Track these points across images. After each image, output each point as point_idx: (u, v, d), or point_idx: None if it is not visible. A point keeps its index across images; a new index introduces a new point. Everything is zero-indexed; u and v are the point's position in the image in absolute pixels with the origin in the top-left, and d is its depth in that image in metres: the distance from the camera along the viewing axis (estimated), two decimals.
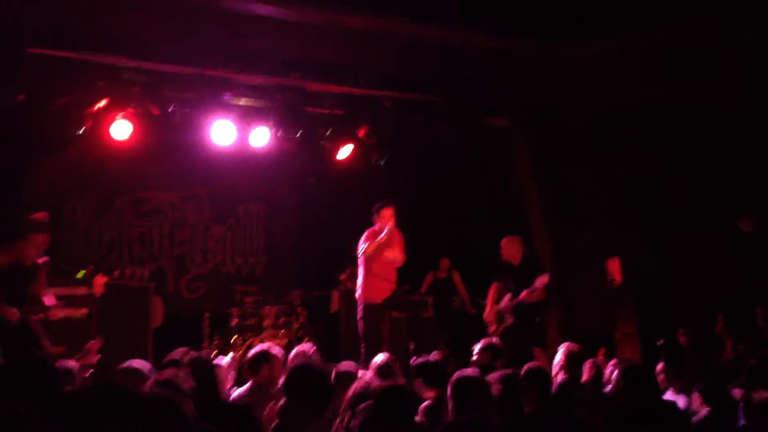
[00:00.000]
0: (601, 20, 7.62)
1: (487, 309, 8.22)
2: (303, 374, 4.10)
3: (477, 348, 6.27)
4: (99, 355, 7.25)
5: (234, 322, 9.25)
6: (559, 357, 5.79)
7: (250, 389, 5.25)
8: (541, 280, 7.75)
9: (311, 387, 4.03)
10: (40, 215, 6.94)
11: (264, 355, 5.40)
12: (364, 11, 7.52)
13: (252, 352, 5.53)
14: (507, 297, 8.04)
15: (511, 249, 8.09)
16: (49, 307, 6.85)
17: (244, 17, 7.60)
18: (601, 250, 8.71)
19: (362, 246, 7.70)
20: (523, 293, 7.83)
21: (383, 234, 7.61)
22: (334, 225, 9.28)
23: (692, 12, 7.29)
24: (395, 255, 7.74)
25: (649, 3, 7.41)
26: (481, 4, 7.53)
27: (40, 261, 6.87)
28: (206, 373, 4.58)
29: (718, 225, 8.14)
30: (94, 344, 7.37)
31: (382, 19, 7.65)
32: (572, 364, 5.70)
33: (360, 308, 7.79)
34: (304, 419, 3.92)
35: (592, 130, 8.87)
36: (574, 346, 5.92)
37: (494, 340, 6.46)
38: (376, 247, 7.62)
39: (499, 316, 8.07)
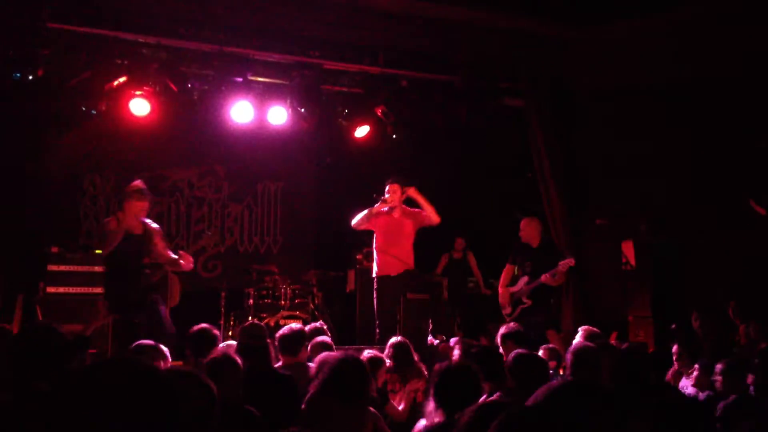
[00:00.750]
0: (617, 2, 7.55)
1: (501, 291, 8.16)
2: (342, 378, 3.84)
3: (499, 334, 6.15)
4: (105, 314, 7.32)
5: (250, 301, 9.29)
6: (578, 340, 5.75)
7: (291, 366, 5.19)
8: (566, 263, 7.63)
9: (350, 390, 3.84)
10: (134, 183, 7.20)
11: (302, 334, 5.43)
12: None
13: (288, 330, 5.45)
14: (524, 279, 7.95)
15: (530, 230, 8.00)
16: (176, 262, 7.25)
17: None
18: (616, 232, 8.65)
19: (356, 216, 7.69)
20: (545, 276, 7.71)
21: (377, 205, 7.60)
22: (350, 204, 9.23)
23: None
24: (426, 217, 7.70)
25: None
26: None
27: (152, 227, 7.19)
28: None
29: (736, 205, 8.02)
30: (100, 307, 7.43)
31: None
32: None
33: (375, 283, 7.79)
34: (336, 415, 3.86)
35: (608, 110, 8.79)
36: (593, 330, 5.89)
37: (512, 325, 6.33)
38: (367, 216, 7.61)
39: (515, 299, 8.02)
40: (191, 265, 7.55)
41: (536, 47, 8.58)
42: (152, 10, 7.72)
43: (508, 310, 8.06)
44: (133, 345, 4.91)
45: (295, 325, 5.68)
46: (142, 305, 7.02)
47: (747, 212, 7.77)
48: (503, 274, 8.19)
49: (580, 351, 4.65)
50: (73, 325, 7.67)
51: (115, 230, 6.99)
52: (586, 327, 5.96)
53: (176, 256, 7.30)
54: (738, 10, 7.46)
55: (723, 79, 7.97)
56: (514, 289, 8.03)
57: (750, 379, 4.54)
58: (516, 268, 8.13)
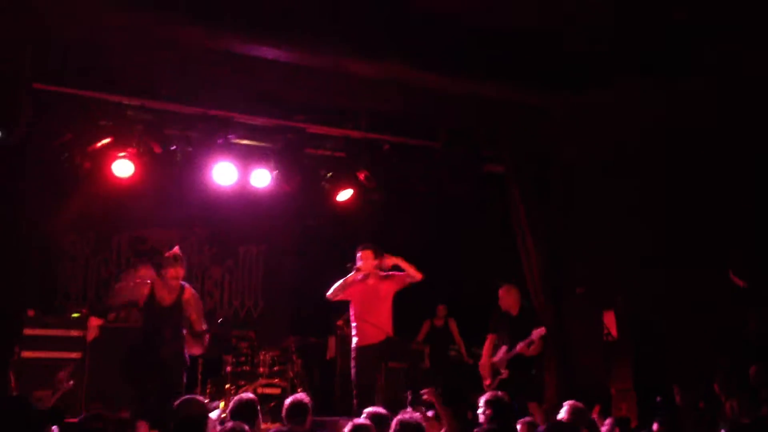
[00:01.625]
0: (597, 71, 7.65)
1: (483, 361, 8.05)
2: None
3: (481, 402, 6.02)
4: (71, 382, 7.14)
5: (228, 368, 9.10)
6: (562, 415, 5.61)
7: None
8: (538, 332, 7.58)
9: None
10: (170, 252, 7.08)
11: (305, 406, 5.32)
12: (367, 57, 7.56)
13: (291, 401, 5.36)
14: (503, 349, 7.87)
15: (509, 299, 7.95)
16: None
17: (248, 59, 7.64)
18: (596, 302, 8.58)
19: (332, 287, 7.58)
20: (520, 345, 7.67)
21: (350, 274, 7.51)
22: (333, 268, 9.17)
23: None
24: (405, 276, 7.60)
25: (640, 56, 7.46)
26: (481, 54, 7.56)
27: (186, 296, 7.07)
28: None
29: (717, 272, 8.01)
30: (63, 374, 7.25)
31: (384, 66, 7.69)
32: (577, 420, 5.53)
33: (353, 352, 7.66)
34: None
35: (589, 178, 8.83)
36: (578, 405, 5.76)
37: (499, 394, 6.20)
38: (342, 287, 7.51)
39: (494, 369, 7.90)
40: (200, 350, 7.26)
41: (517, 115, 8.64)
42: (137, 73, 7.74)
43: (488, 381, 7.93)
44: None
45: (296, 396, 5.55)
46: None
47: (727, 284, 7.75)
48: (486, 344, 8.08)
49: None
50: (47, 390, 7.54)
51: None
52: (571, 402, 5.81)
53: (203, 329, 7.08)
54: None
55: (701, 144, 8.04)
56: (495, 359, 7.92)
57: None
58: (497, 337, 8.03)
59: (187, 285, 7.14)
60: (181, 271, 7.03)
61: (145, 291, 6.95)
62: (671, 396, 7.13)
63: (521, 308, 7.95)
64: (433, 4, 7.13)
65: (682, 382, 7.24)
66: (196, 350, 7.13)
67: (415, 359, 8.47)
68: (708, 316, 7.86)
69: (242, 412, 5.15)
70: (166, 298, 6.99)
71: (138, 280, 7.06)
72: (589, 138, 8.56)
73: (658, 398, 7.22)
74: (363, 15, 7.12)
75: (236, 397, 5.36)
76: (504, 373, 7.78)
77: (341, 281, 7.51)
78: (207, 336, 7.14)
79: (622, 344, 8.50)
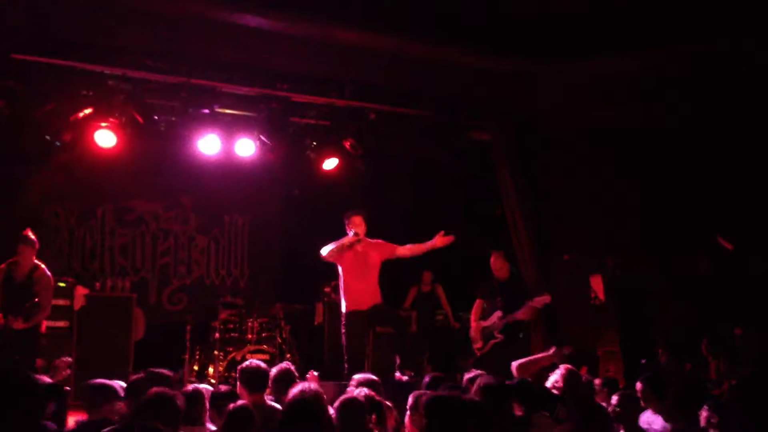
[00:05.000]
0: (584, 41, 7.64)
1: (473, 325, 8.15)
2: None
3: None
4: (68, 371, 7.22)
5: (216, 335, 9.14)
6: (556, 377, 5.71)
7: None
8: (542, 300, 7.68)
9: None
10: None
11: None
12: (352, 25, 7.50)
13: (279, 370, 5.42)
14: (497, 314, 7.95)
15: (498, 264, 8.04)
16: None
17: (231, 27, 7.55)
18: (583, 267, 8.68)
19: (326, 247, 7.61)
20: (522, 312, 7.76)
21: (348, 237, 7.55)
22: (318, 236, 9.20)
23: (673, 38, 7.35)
24: (402, 251, 7.68)
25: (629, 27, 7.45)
26: (467, 23, 7.51)
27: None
28: None
29: (696, 246, 8.16)
30: (64, 361, 7.34)
31: (369, 34, 7.63)
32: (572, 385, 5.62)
33: (342, 318, 7.71)
34: None
35: (574, 146, 8.87)
36: (572, 369, 5.85)
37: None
38: (339, 249, 7.54)
39: (485, 333, 8.01)
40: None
41: (502, 83, 8.62)
42: (118, 42, 7.64)
43: (479, 344, 8.05)
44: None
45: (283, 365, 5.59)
46: None
47: (714, 248, 7.88)
48: (474, 308, 8.19)
49: None
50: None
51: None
52: (566, 366, 5.89)
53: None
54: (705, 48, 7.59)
55: (691, 117, 8.10)
56: (486, 323, 8.02)
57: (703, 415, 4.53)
58: (486, 302, 8.12)
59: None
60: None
61: None
62: (656, 358, 7.26)
63: (510, 273, 8.04)
64: None
65: (667, 345, 7.37)
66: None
67: (402, 325, 8.51)
68: (692, 279, 8.00)
69: (252, 380, 5.15)
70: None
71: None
72: (575, 105, 8.58)
73: (643, 360, 7.35)
74: None
75: (245, 364, 5.30)
76: (499, 337, 7.88)
77: (338, 242, 7.53)
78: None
79: (609, 307, 8.62)
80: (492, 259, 8.05)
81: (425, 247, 7.68)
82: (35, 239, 7.27)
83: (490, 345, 7.94)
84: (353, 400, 4.39)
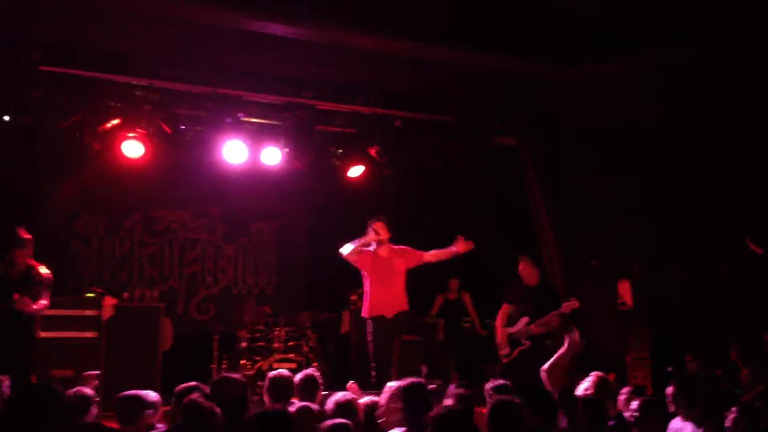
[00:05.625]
0: (607, 42, 7.57)
1: (499, 331, 8.06)
2: None
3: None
4: (96, 382, 7.21)
5: (243, 344, 9.15)
6: (587, 385, 5.63)
7: None
8: (570, 305, 7.55)
9: None
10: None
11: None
12: (375, 32, 7.51)
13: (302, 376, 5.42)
14: (524, 320, 7.85)
15: (528, 270, 7.93)
16: None
17: (256, 36, 7.61)
18: (611, 272, 8.57)
19: (347, 245, 7.58)
20: (549, 317, 7.64)
21: (367, 237, 7.54)
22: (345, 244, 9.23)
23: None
24: (428, 257, 7.68)
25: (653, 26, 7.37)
26: (489, 26, 7.48)
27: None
28: None
29: (732, 246, 7.99)
30: (91, 374, 7.34)
31: (393, 40, 7.64)
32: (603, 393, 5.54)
33: (368, 324, 7.68)
34: None
35: (600, 148, 8.79)
36: (603, 375, 5.76)
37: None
38: (358, 247, 7.54)
39: (512, 339, 7.91)
40: None
41: (527, 86, 8.60)
42: (144, 53, 7.72)
43: (505, 351, 7.94)
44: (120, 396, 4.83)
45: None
46: None
47: (744, 252, 7.73)
48: (500, 314, 8.08)
49: None
50: (64, 371, 7.61)
51: None
52: (597, 373, 5.80)
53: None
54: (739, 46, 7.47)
55: (716, 118, 7.97)
56: (513, 329, 7.92)
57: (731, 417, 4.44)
58: (513, 308, 8.03)
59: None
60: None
61: None
62: (684, 365, 7.14)
63: (540, 279, 7.94)
64: None
65: (695, 351, 7.26)
66: None
67: (429, 332, 8.47)
68: (722, 284, 7.87)
69: (275, 390, 5.15)
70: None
71: None
72: (600, 108, 8.51)
73: (670, 368, 7.22)
74: None
75: (273, 374, 5.31)
76: (526, 344, 7.78)
77: (357, 241, 7.54)
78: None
79: (638, 313, 8.49)
80: (521, 266, 7.95)
81: (449, 252, 7.64)
82: (28, 238, 7.17)
83: (517, 351, 7.84)
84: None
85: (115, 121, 7.98)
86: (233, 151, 8.40)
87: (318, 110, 8.57)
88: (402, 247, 7.71)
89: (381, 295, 7.56)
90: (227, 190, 10.02)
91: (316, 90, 8.39)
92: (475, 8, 7.28)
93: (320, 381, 5.52)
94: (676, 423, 5.23)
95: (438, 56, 7.98)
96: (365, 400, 5.16)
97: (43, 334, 7.50)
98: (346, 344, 9.56)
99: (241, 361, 9.04)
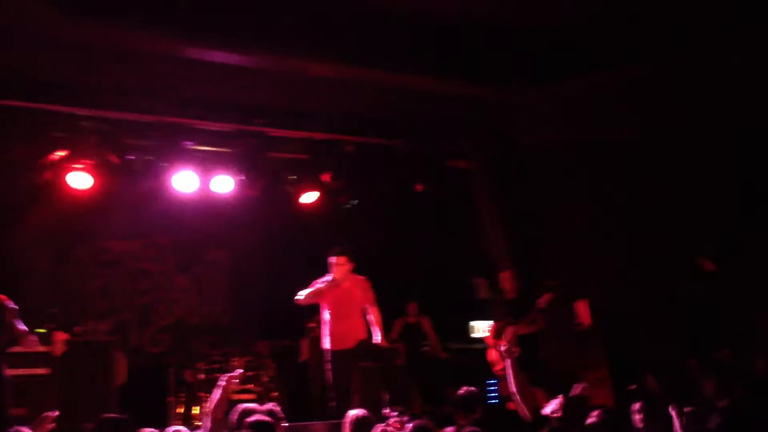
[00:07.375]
0: (558, 63, 7.64)
1: (491, 349, 8.16)
2: None
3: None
4: (54, 425, 6.96)
5: (201, 376, 8.97)
6: (554, 406, 5.62)
7: None
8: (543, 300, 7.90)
9: None
10: None
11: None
12: (325, 58, 7.45)
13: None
14: (509, 330, 7.96)
15: (509, 284, 8.16)
16: None
17: (202, 64, 7.47)
18: (567, 293, 8.59)
19: (301, 292, 7.49)
20: (530, 315, 7.90)
21: (324, 282, 7.44)
22: (300, 271, 9.13)
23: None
24: (369, 317, 7.61)
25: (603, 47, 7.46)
26: (439, 50, 7.49)
27: None
28: None
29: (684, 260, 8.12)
30: (50, 415, 7.08)
31: (343, 66, 7.58)
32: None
33: (327, 356, 7.58)
34: None
35: (553, 169, 8.86)
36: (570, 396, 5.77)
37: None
38: (315, 294, 7.45)
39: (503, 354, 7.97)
40: None
41: (478, 109, 8.62)
42: (89, 82, 7.55)
43: (499, 366, 7.95)
44: None
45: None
46: None
47: (696, 267, 7.85)
48: (490, 333, 8.23)
49: None
50: (19, 409, 7.34)
51: None
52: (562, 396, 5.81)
53: None
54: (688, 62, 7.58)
55: (671, 132, 8.09)
56: (502, 342, 7.95)
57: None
58: (500, 324, 8.16)
59: None
60: None
61: None
62: (645, 384, 7.17)
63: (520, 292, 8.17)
64: (388, 2, 7.02)
65: (654, 370, 7.31)
66: None
67: (389, 358, 8.39)
68: (677, 300, 7.96)
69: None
70: None
71: None
72: (552, 128, 8.57)
73: (633, 386, 7.24)
74: (316, 15, 6.99)
75: (251, 419, 5.07)
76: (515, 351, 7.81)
77: (314, 288, 7.44)
78: None
79: (596, 333, 8.52)
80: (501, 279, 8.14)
81: (376, 331, 7.60)
82: None
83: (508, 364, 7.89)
84: None
85: (62, 153, 7.79)
86: (183, 180, 8.26)
87: (269, 137, 8.48)
88: (363, 279, 7.65)
89: (341, 328, 7.50)
90: (178, 219, 9.83)
91: (267, 117, 8.31)
92: (424, 33, 7.28)
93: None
94: None
95: (389, 81, 7.95)
96: None
97: None
98: (305, 372, 9.42)
99: (199, 393, 8.86)
